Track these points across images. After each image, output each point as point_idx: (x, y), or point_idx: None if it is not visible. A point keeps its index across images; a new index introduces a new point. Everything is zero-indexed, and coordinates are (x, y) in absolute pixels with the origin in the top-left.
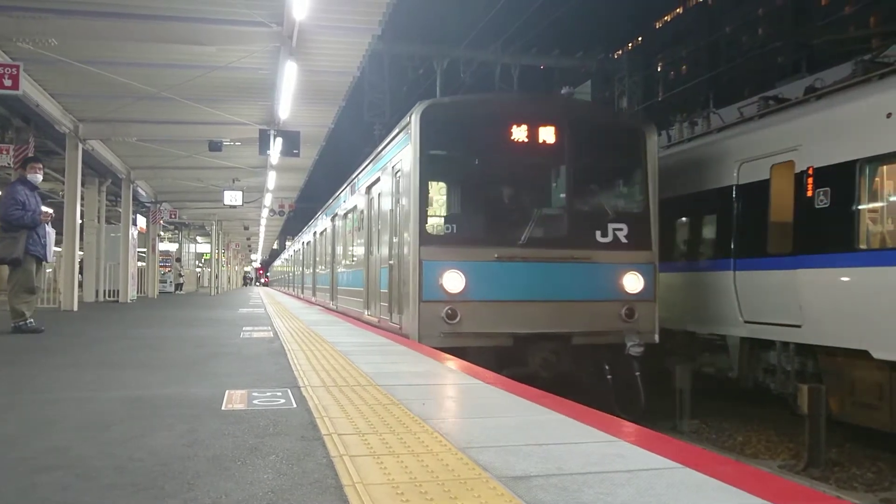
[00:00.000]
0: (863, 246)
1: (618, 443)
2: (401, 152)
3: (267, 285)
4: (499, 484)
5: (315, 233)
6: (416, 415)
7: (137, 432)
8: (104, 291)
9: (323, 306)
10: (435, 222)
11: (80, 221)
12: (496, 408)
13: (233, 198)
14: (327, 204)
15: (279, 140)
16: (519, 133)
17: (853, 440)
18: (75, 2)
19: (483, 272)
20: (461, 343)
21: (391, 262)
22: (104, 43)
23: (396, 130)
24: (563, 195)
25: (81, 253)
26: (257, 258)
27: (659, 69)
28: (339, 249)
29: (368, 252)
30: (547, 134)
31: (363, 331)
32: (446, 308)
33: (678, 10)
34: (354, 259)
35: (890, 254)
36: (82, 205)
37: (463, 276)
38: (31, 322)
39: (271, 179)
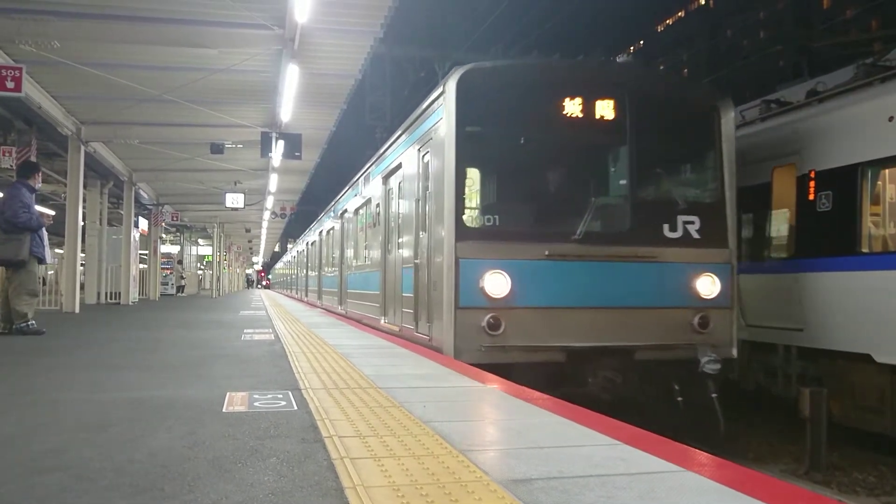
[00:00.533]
0: (865, 249)
1: (619, 446)
2: (431, 130)
3: (268, 288)
4: (499, 487)
5: (321, 231)
6: (417, 417)
7: (137, 434)
8: (106, 293)
9: (330, 311)
10: (474, 213)
11: (81, 223)
12: (497, 410)
13: (234, 200)
14: (335, 200)
15: (281, 142)
16: (573, 107)
17: (855, 444)
18: (78, 4)
19: (531, 273)
20: (506, 359)
21: (417, 261)
22: (107, 45)
23: (425, 104)
24: (624, 182)
25: (83, 255)
26: (259, 261)
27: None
28: (350, 249)
29: (386, 251)
30: (606, 108)
31: (364, 333)
32: (488, 316)
33: (680, 14)
34: (368, 259)
35: (893, 257)
36: (84, 207)
37: (508, 277)
38: (32, 324)
39: (273, 182)
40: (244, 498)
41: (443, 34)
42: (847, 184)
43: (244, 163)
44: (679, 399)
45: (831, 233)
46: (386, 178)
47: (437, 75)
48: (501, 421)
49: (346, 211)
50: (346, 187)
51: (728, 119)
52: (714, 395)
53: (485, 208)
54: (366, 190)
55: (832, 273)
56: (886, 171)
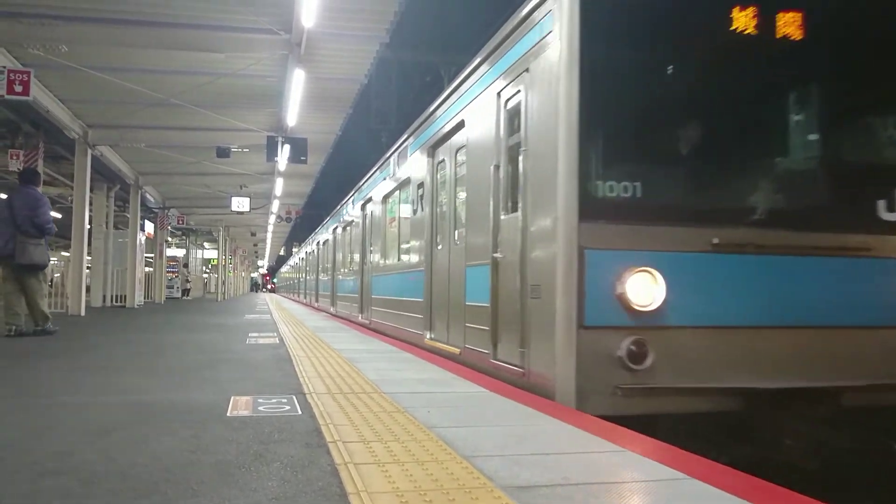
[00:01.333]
0: None
1: (625, 453)
2: (527, 57)
3: (273, 292)
4: (503, 493)
5: (336, 228)
6: (421, 422)
7: (141, 438)
8: (111, 296)
9: (347, 320)
10: (605, 180)
11: (88, 227)
12: (502, 416)
13: (240, 204)
14: (355, 189)
15: (287, 147)
16: (745, 20)
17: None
18: (85, 8)
19: (692, 272)
20: (654, 408)
21: (497, 255)
22: (114, 49)
23: (516, 21)
24: (817, 136)
25: (89, 258)
26: (264, 264)
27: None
28: (376, 246)
29: (433, 245)
30: (791, 25)
31: (369, 338)
32: (629, 341)
33: None
34: (405, 257)
35: None
36: (90, 210)
37: (661, 278)
38: (49, 325)
39: (278, 186)
40: (247, 502)
41: (448, 39)
42: None
43: (250, 167)
44: None
45: None
46: (434, 149)
47: (442, 80)
48: (506, 427)
49: (370, 200)
50: (374, 168)
51: None
52: None
53: (621, 172)
54: (400, 171)
55: None
56: None
